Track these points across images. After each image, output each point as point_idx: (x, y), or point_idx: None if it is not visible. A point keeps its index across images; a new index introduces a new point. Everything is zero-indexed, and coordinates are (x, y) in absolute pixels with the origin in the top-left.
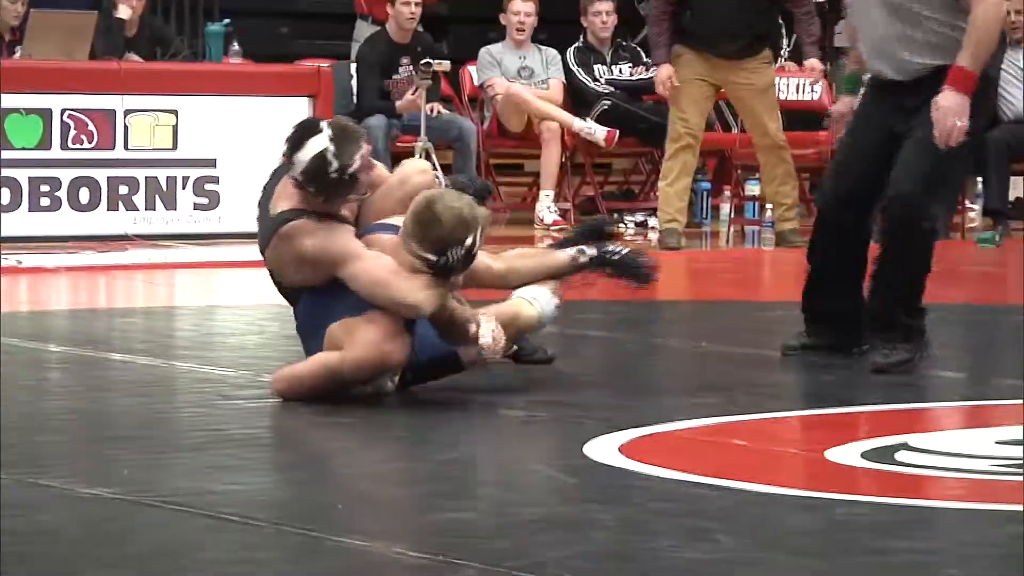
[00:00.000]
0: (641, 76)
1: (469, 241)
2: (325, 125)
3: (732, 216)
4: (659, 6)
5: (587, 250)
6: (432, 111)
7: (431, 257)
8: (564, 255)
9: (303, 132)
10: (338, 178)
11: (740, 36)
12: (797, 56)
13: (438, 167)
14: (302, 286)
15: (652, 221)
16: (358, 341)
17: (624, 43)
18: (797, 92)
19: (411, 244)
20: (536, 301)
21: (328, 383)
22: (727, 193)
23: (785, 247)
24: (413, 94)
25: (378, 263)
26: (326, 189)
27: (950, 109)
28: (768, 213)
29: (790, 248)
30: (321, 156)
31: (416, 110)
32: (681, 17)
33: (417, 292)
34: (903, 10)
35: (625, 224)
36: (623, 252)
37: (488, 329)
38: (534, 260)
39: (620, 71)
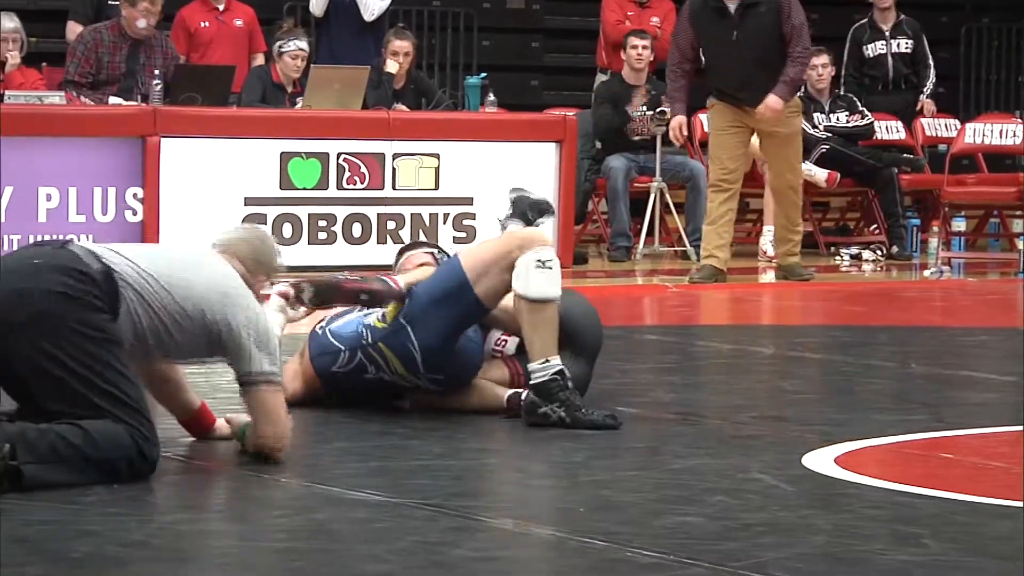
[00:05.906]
0: (857, 124)
1: None
2: None
3: (940, 249)
4: (674, 61)
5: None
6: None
7: None
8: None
9: None
10: None
11: (758, 87)
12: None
13: (671, 204)
14: None
15: (866, 254)
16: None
17: (841, 93)
18: (1001, 137)
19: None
20: None
21: None
22: (935, 228)
23: (794, 279)
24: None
25: None
26: None
27: None
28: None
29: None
30: None
31: (649, 136)
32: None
33: None
34: None
35: (841, 256)
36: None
37: None
38: None
39: (837, 119)
